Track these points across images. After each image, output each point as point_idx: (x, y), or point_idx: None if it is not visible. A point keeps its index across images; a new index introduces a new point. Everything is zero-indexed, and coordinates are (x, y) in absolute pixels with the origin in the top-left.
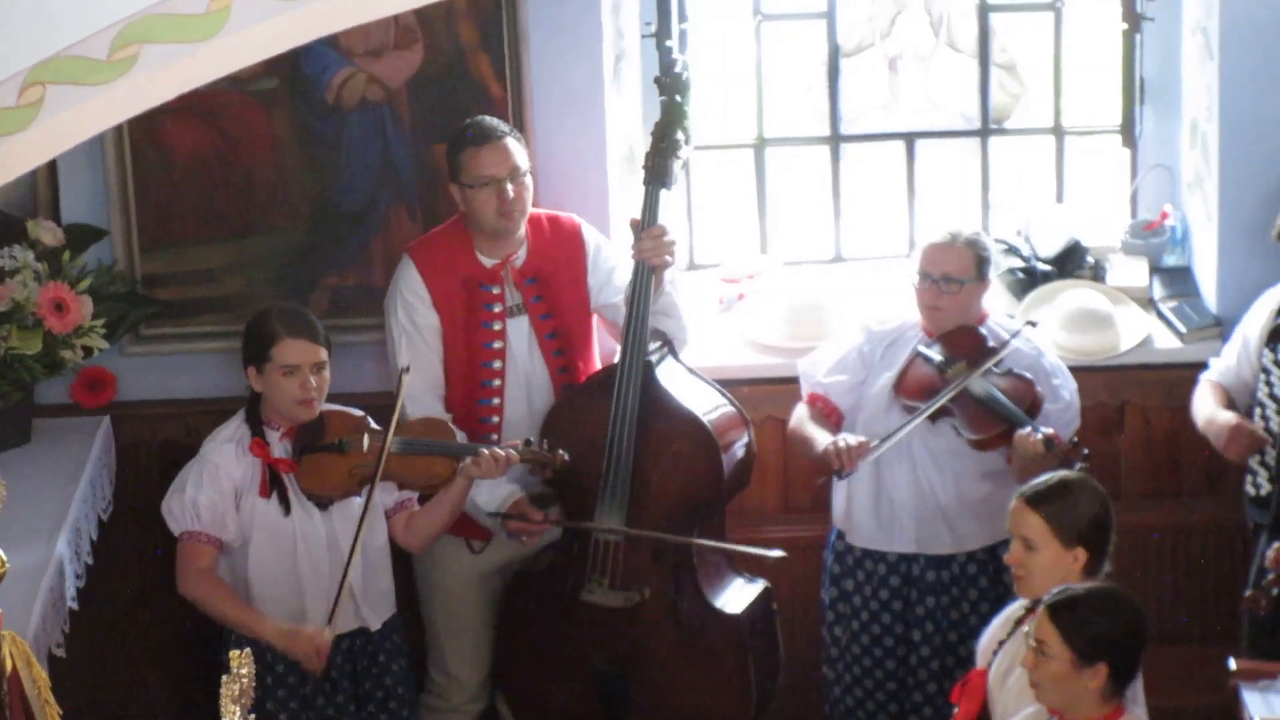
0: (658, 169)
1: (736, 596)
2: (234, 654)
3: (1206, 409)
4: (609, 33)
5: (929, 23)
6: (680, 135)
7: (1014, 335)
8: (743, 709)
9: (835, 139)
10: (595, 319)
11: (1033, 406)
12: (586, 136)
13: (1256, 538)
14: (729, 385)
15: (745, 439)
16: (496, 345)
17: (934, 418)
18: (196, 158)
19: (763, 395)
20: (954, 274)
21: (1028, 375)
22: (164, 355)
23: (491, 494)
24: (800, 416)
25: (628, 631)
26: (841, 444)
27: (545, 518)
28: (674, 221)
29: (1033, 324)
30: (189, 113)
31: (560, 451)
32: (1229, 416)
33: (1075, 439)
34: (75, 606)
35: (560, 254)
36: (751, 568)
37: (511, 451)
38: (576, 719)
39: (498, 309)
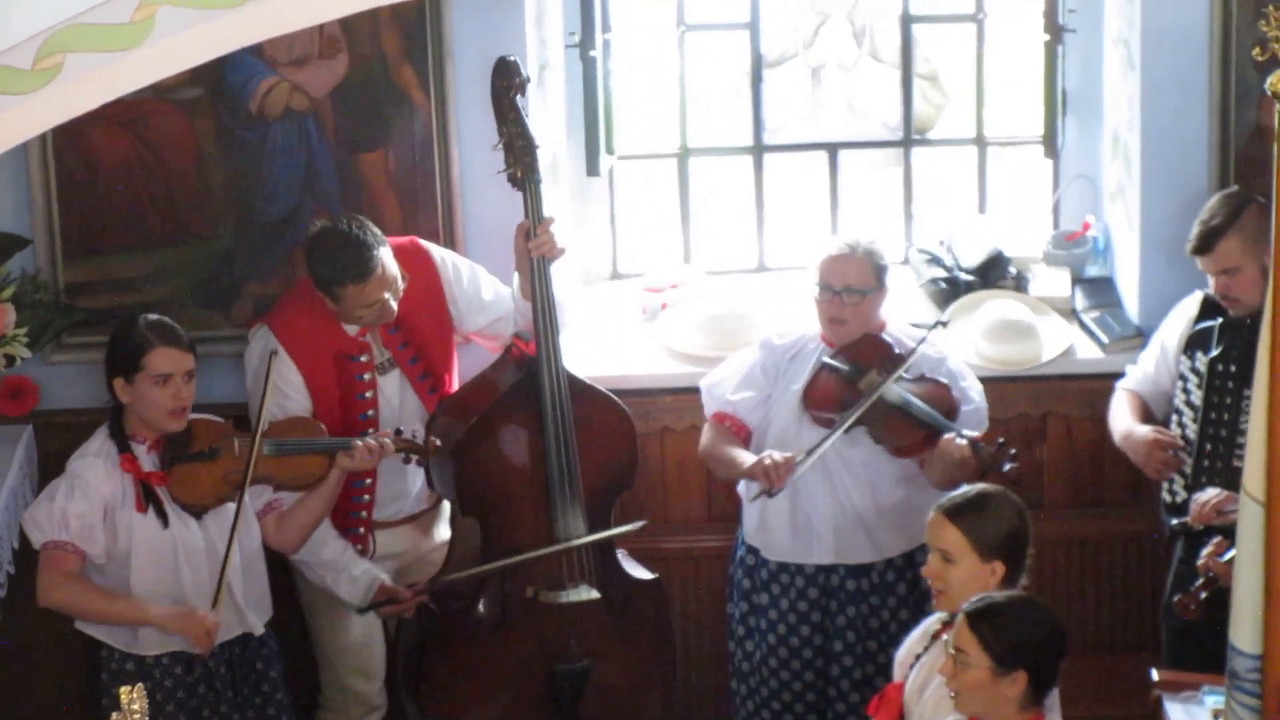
0: (528, 167)
1: (636, 566)
2: (124, 690)
3: (1123, 423)
4: (533, 43)
5: (852, 33)
6: (529, 129)
7: (920, 341)
8: (670, 670)
9: (758, 149)
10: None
11: (950, 410)
12: None
13: (1172, 544)
14: (652, 394)
15: None
16: (370, 414)
17: (849, 427)
18: (120, 166)
19: (686, 404)
20: (855, 285)
21: (942, 379)
22: (87, 364)
23: (352, 589)
24: (711, 438)
25: (579, 625)
26: (768, 462)
27: (415, 591)
28: (598, 230)
29: (943, 324)
30: (113, 122)
31: (433, 437)
32: (1145, 431)
33: (1001, 440)
34: None
35: (414, 288)
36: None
37: (386, 441)
38: None
39: (368, 377)
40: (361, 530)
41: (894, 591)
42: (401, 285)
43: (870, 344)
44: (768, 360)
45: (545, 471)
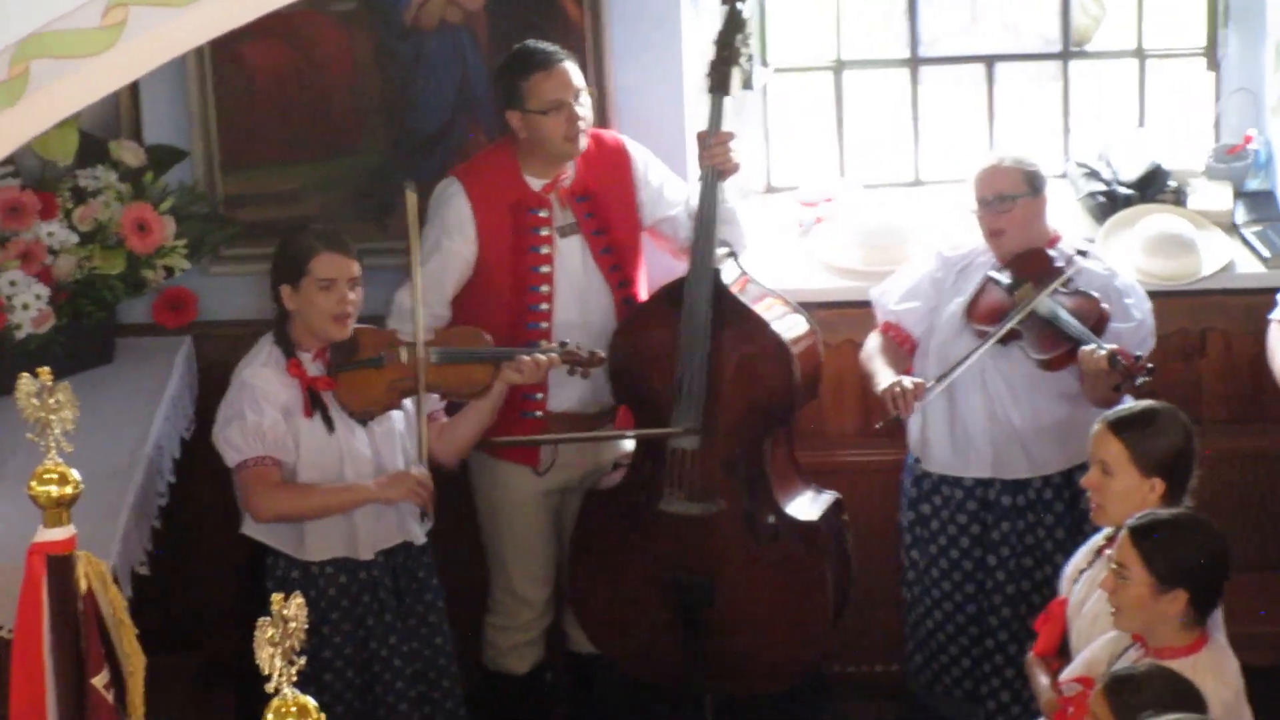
0: (720, 77)
1: (810, 505)
2: (276, 598)
3: (1277, 364)
4: None
5: None
6: (740, 43)
7: (1078, 254)
8: (821, 616)
9: (914, 61)
10: (645, 238)
11: (1098, 323)
12: (663, 57)
13: None
14: (806, 308)
15: (814, 347)
16: (544, 269)
17: (1005, 341)
18: (277, 79)
19: (840, 319)
20: (1006, 191)
21: (1094, 293)
22: (244, 276)
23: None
24: (871, 348)
25: (706, 543)
26: (898, 390)
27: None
28: (752, 144)
29: (1083, 253)
30: (269, 34)
31: (597, 351)
32: None
33: (1139, 354)
34: (158, 524)
35: (608, 172)
36: (822, 480)
37: (552, 355)
38: (655, 634)
39: (545, 232)
40: (539, 414)
41: (1051, 509)
42: (588, 105)
43: (1033, 257)
44: (939, 271)
45: (673, 376)
